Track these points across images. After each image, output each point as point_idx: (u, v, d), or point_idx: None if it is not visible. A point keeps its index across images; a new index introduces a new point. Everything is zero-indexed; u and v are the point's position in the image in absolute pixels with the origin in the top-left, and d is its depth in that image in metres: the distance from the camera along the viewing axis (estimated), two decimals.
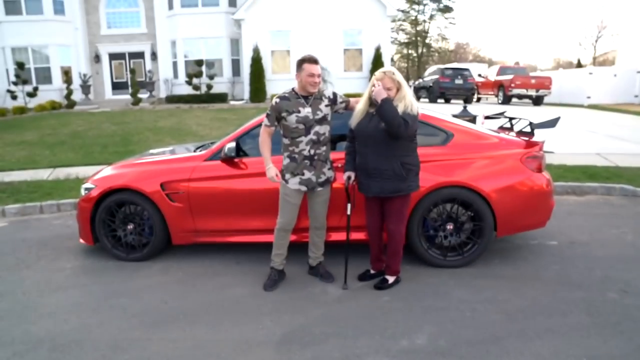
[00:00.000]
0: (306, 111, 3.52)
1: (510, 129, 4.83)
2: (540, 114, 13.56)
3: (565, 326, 3.05)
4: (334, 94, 3.70)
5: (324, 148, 3.63)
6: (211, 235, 4.30)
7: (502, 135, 4.23)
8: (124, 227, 4.42)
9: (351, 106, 3.75)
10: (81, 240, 4.60)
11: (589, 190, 6.62)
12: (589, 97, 19.19)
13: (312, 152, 3.57)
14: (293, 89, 3.62)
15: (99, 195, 4.35)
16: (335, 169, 3.85)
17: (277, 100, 3.56)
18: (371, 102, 3.49)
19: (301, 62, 3.52)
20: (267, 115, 3.60)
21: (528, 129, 4.43)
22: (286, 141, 3.61)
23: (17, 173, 8.15)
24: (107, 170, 4.60)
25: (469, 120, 6.19)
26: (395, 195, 3.49)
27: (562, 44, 75.74)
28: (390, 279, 3.73)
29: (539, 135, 4.40)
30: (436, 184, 3.91)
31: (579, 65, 30.40)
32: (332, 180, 3.72)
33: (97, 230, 4.42)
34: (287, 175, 3.61)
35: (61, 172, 8.09)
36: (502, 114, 5.18)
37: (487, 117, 5.31)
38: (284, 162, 3.64)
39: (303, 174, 3.58)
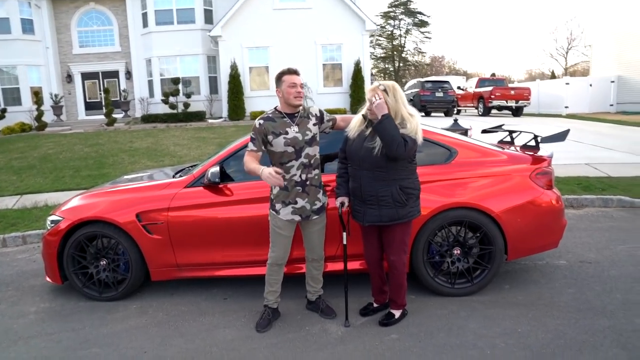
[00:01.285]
0: (294, 131, 3.16)
1: (511, 142, 4.57)
2: (536, 126, 13.53)
3: None
4: (321, 112, 3.36)
5: (315, 171, 3.28)
6: (195, 269, 3.87)
7: (509, 150, 3.95)
8: (97, 263, 3.96)
9: (338, 125, 3.44)
10: (47, 279, 4.11)
11: (586, 202, 6.43)
12: (566, 107, 19.42)
13: (303, 177, 3.20)
14: (276, 108, 3.25)
15: (67, 229, 3.89)
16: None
17: (261, 122, 3.17)
18: (366, 120, 3.17)
19: (280, 75, 3.19)
20: (252, 139, 3.20)
21: (532, 143, 4.18)
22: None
23: None
24: (75, 200, 4.14)
25: (461, 134, 5.94)
26: (394, 223, 3.14)
27: (533, 55, 77.77)
28: (397, 313, 3.37)
29: (545, 149, 4.15)
30: (441, 206, 3.59)
31: (553, 76, 30.97)
32: (326, 206, 3.36)
33: (66, 268, 3.95)
34: (278, 205, 3.22)
35: (28, 200, 7.52)
36: (500, 126, 4.93)
37: (484, 131, 5.05)
38: (274, 191, 3.25)
39: (296, 202, 3.21)
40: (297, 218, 3.23)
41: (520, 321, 3.27)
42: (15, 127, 16.63)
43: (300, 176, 3.19)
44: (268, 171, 2.94)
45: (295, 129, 3.17)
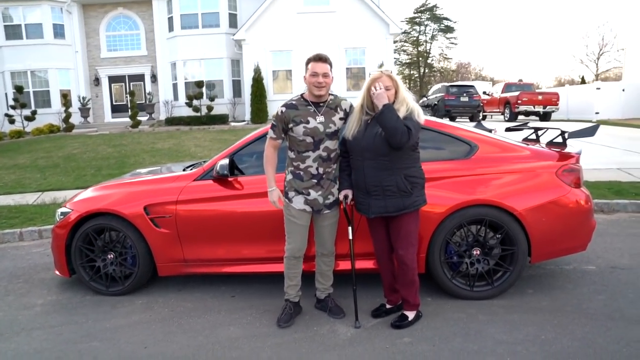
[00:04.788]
0: (317, 122, 3.02)
1: (537, 140, 4.32)
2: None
3: None
4: (352, 107, 3.18)
5: (334, 166, 3.14)
6: (203, 265, 3.76)
7: (533, 146, 3.72)
8: (104, 256, 3.89)
9: None
10: (56, 272, 4.07)
11: (618, 207, 6.08)
12: (597, 113, 18.72)
13: (320, 170, 3.07)
14: (302, 96, 3.12)
15: (75, 221, 3.83)
16: None
17: (283, 109, 3.06)
18: (364, 109, 3.03)
19: (307, 61, 3.05)
20: (272, 127, 3.10)
21: (559, 139, 3.92)
22: (291, 155, 3.13)
23: (1, 198, 7.67)
24: (86, 193, 4.10)
25: None
26: (401, 213, 2.97)
27: (563, 62, 75.88)
28: (410, 315, 3.17)
29: (573, 145, 3.90)
30: (460, 203, 3.38)
31: (583, 82, 30.02)
32: (340, 202, 3.20)
33: (74, 261, 3.89)
34: (291, 193, 3.11)
35: (48, 196, 7.60)
36: (525, 124, 4.69)
37: (508, 129, 4.80)
38: (287, 178, 3.15)
39: (309, 194, 3.08)
40: (309, 209, 3.11)
41: (544, 327, 3.03)
42: (44, 128, 17.04)
43: (317, 169, 3.07)
44: (276, 197, 3.11)
45: (321, 119, 3.04)
